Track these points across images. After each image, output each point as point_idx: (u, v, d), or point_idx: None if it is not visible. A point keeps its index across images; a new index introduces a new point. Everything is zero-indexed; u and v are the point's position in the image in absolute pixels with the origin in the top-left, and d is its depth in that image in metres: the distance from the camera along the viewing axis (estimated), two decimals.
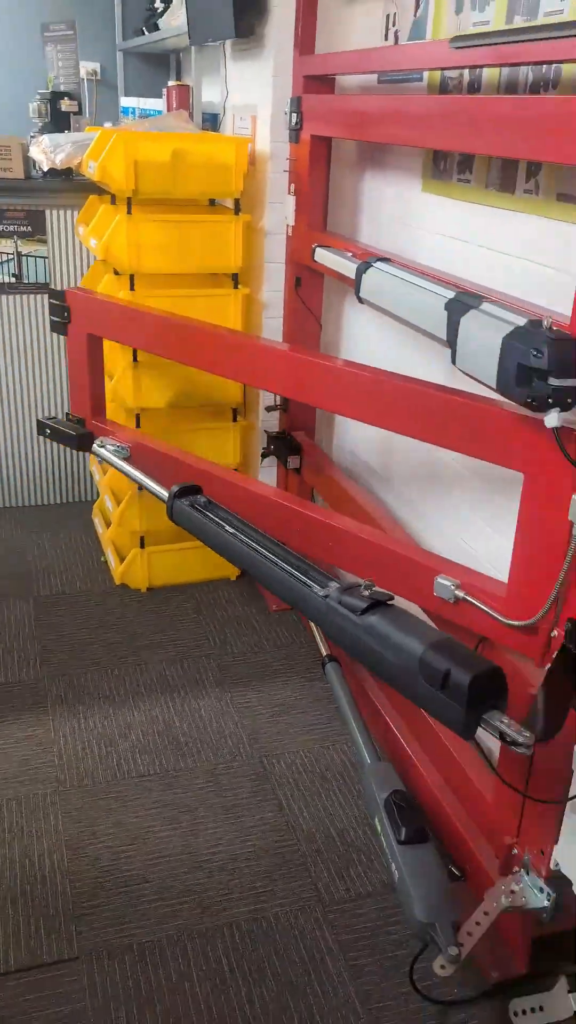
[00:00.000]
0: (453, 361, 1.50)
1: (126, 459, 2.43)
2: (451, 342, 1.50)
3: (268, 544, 1.81)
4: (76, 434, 2.57)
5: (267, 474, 3.00)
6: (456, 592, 1.67)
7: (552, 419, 1.29)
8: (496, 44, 1.67)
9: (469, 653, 1.36)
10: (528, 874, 1.67)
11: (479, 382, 1.44)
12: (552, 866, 1.61)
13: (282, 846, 2.03)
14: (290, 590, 1.69)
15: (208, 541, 1.95)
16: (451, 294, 1.56)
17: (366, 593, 1.54)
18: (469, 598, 1.65)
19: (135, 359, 2.71)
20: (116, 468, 2.42)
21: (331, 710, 2.44)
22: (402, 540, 2.10)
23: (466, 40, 1.72)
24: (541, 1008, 1.68)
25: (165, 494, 2.08)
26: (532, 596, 1.53)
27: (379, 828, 1.81)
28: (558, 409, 1.29)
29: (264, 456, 2.86)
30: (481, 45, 1.70)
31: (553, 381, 1.27)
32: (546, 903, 1.63)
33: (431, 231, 2.24)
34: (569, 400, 1.29)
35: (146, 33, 4.13)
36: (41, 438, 3.39)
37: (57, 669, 2.60)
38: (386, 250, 2.42)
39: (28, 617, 2.84)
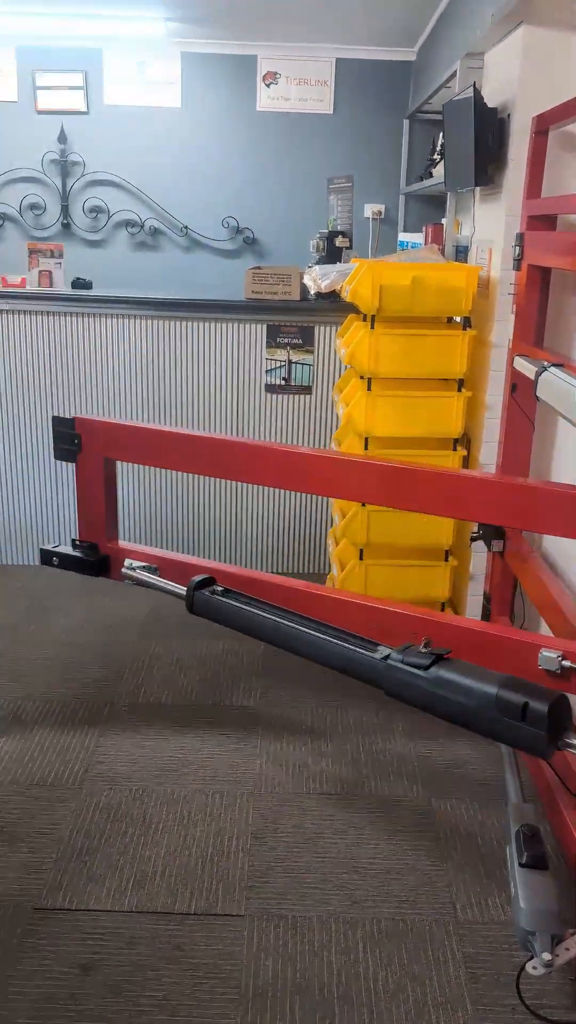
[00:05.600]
0: None
1: (156, 574, 2.54)
2: None
3: (303, 620, 2.00)
4: (93, 559, 2.65)
5: (478, 559, 3.32)
6: (562, 663, 1.88)
7: None
8: None
9: (536, 687, 1.62)
10: None
11: None
12: None
13: (433, 870, 2.28)
14: (343, 657, 1.90)
15: (239, 623, 2.12)
16: None
17: (426, 650, 1.79)
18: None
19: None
20: (147, 585, 2.51)
21: (501, 772, 2.66)
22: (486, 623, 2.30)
23: None
24: None
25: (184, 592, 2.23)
26: None
27: (508, 855, 2.03)
28: None
29: (473, 539, 3.19)
30: None
31: None
32: None
33: None
34: None
35: (423, 179, 4.78)
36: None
37: (273, 701, 3.05)
38: None
39: (259, 659, 3.34)
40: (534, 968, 1.73)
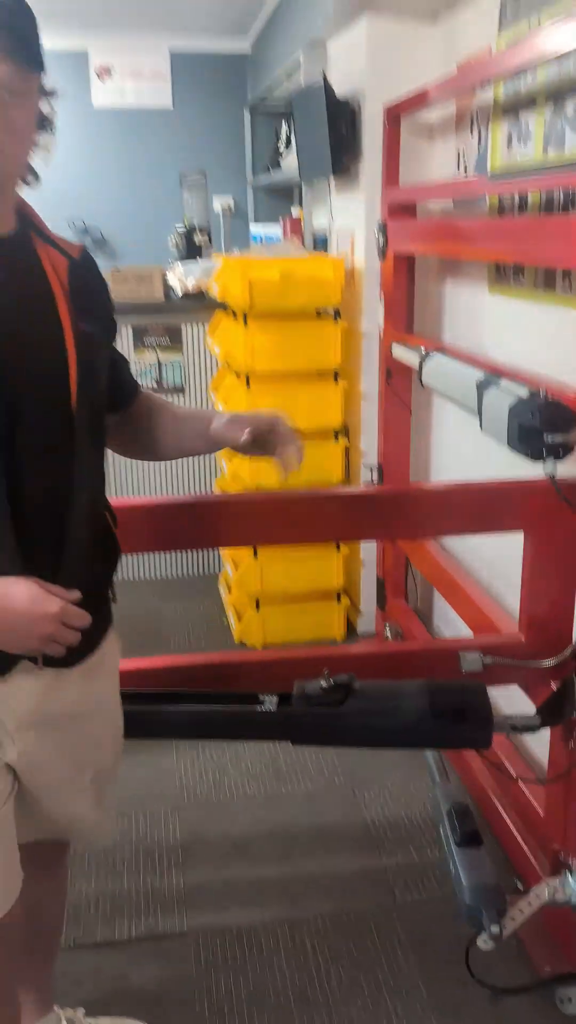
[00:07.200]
0: (480, 427, 1.86)
1: None
2: (479, 412, 1.86)
3: (146, 696, 1.71)
4: None
5: (368, 545, 3.37)
6: (484, 660, 1.92)
7: (549, 466, 1.62)
8: (523, 178, 2.07)
9: (455, 684, 1.65)
10: (572, 874, 1.89)
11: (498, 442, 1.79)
12: None
13: (366, 858, 2.31)
14: (223, 722, 1.67)
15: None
16: (481, 375, 1.92)
17: (330, 684, 1.62)
18: (500, 659, 1.91)
19: None
20: None
21: (419, 753, 2.71)
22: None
23: (500, 176, 2.12)
24: None
25: None
26: (547, 638, 1.82)
27: (442, 835, 2.07)
28: (553, 458, 1.62)
29: None
30: (512, 178, 2.10)
31: (547, 437, 1.60)
32: None
33: (495, 325, 2.62)
34: (560, 452, 1.61)
35: (271, 171, 4.79)
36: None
37: None
38: (462, 344, 2.81)
39: None
40: (484, 943, 1.78)
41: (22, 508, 1.17)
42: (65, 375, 1.20)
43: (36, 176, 1.22)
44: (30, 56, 1.09)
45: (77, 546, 1.24)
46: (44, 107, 1.17)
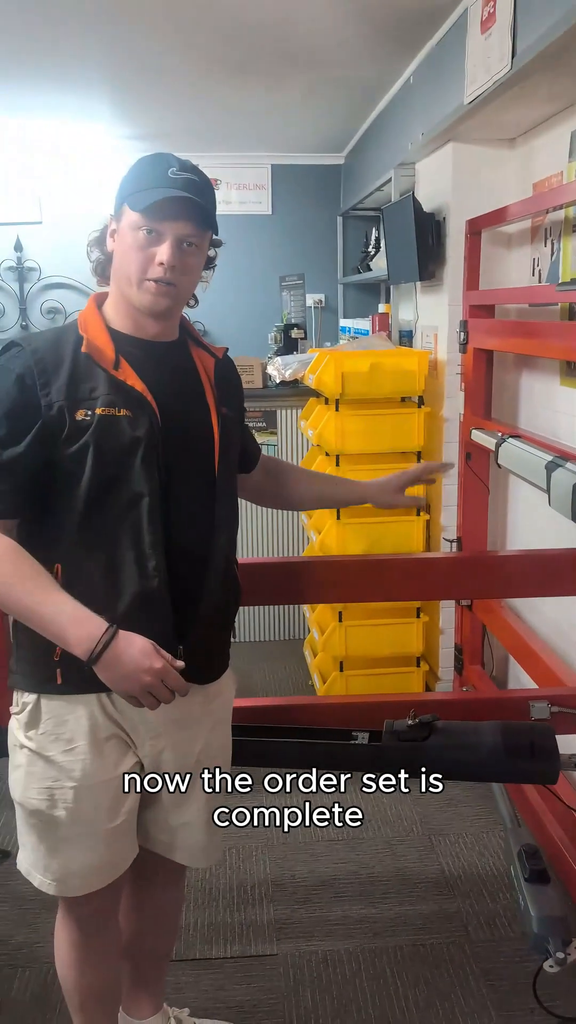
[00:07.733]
0: (549, 504, 2.12)
1: None
2: (547, 491, 2.13)
3: (257, 729, 2.00)
4: None
5: (446, 612, 3.61)
6: (551, 709, 2.16)
7: None
8: None
9: (526, 725, 1.88)
10: None
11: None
12: None
13: (441, 899, 2.50)
14: (329, 752, 1.97)
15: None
16: (550, 457, 2.20)
17: (416, 721, 1.87)
18: (565, 709, 2.14)
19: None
20: None
21: (492, 806, 2.90)
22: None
23: (567, 286, 2.43)
24: None
25: None
26: None
27: (513, 874, 2.26)
28: None
29: None
30: None
31: None
32: None
33: (566, 413, 2.89)
34: None
35: (360, 271, 5.21)
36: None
37: None
38: (535, 430, 3.08)
39: None
40: (551, 967, 1.96)
41: (174, 547, 1.49)
42: (211, 446, 1.54)
43: (196, 300, 1.59)
44: (207, 220, 1.47)
45: (215, 579, 1.56)
46: (211, 252, 1.54)
